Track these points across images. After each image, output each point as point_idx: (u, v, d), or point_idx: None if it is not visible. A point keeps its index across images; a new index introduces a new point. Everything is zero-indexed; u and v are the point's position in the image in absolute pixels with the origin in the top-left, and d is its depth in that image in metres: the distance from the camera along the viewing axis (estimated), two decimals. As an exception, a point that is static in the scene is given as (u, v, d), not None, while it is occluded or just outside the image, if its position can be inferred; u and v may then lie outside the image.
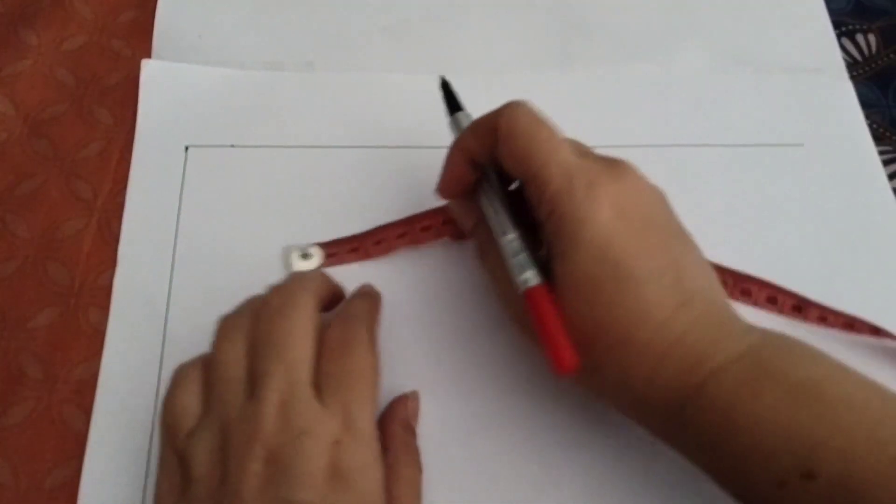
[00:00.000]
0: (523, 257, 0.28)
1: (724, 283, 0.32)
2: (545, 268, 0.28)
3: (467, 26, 0.43)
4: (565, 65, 0.41)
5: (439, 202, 0.34)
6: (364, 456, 0.26)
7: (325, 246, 0.35)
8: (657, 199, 0.29)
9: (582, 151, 0.29)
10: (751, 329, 0.27)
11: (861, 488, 0.22)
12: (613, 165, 0.28)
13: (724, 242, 0.35)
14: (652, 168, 0.37)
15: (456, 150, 0.31)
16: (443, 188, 0.32)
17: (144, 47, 0.41)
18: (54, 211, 0.36)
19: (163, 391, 0.28)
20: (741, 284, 0.34)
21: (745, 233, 0.36)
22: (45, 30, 0.41)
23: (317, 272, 0.31)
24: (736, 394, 0.25)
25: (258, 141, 0.37)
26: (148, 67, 0.39)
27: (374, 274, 0.34)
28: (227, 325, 0.28)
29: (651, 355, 0.26)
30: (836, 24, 0.43)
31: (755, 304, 0.34)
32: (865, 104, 0.40)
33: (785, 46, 0.42)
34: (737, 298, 0.34)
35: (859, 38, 0.43)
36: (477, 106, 0.40)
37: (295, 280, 0.29)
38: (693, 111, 0.39)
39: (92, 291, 0.34)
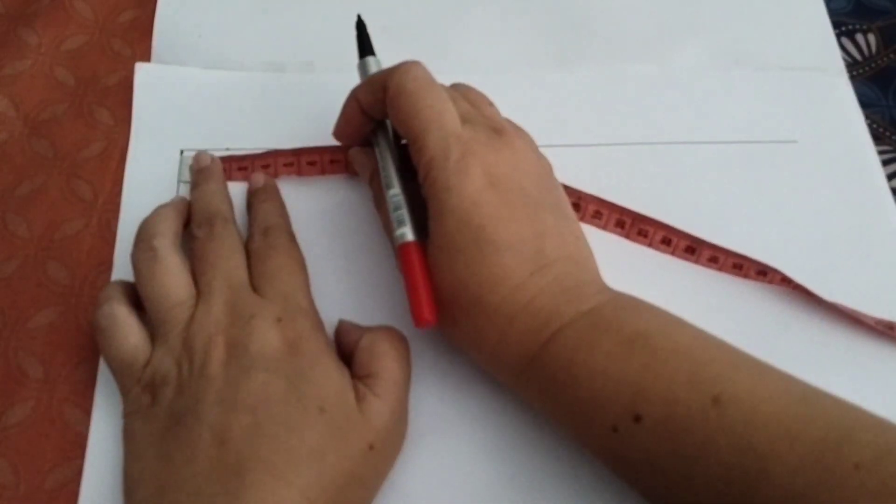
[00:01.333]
0: (402, 213, 0.30)
1: (622, 224, 0.35)
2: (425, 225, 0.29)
3: (467, 26, 0.43)
4: (564, 64, 0.41)
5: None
6: (304, 326, 0.29)
7: (220, 159, 0.36)
8: (536, 171, 0.30)
9: (469, 118, 0.30)
10: (602, 291, 0.29)
11: (682, 427, 0.24)
12: (496, 136, 0.30)
13: (720, 238, 0.35)
14: (648, 166, 0.38)
15: (352, 100, 0.33)
16: (337, 132, 0.35)
17: (144, 47, 0.41)
18: (54, 211, 0.36)
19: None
20: (638, 225, 0.35)
21: (741, 229, 0.36)
22: (45, 30, 0.41)
23: (222, 191, 0.34)
24: (575, 348, 0.27)
25: (253, 144, 0.37)
26: (141, 71, 0.39)
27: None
28: (159, 264, 0.30)
29: (502, 316, 0.28)
30: (836, 24, 0.43)
31: (650, 244, 0.35)
32: (865, 104, 0.40)
33: (785, 46, 0.42)
34: (634, 239, 0.35)
35: (859, 38, 0.43)
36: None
37: (208, 210, 0.33)
38: (689, 108, 0.39)
39: (92, 291, 0.34)
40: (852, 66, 0.42)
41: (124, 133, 0.38)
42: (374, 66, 0.34)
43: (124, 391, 0.29)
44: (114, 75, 0.40)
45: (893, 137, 0.40)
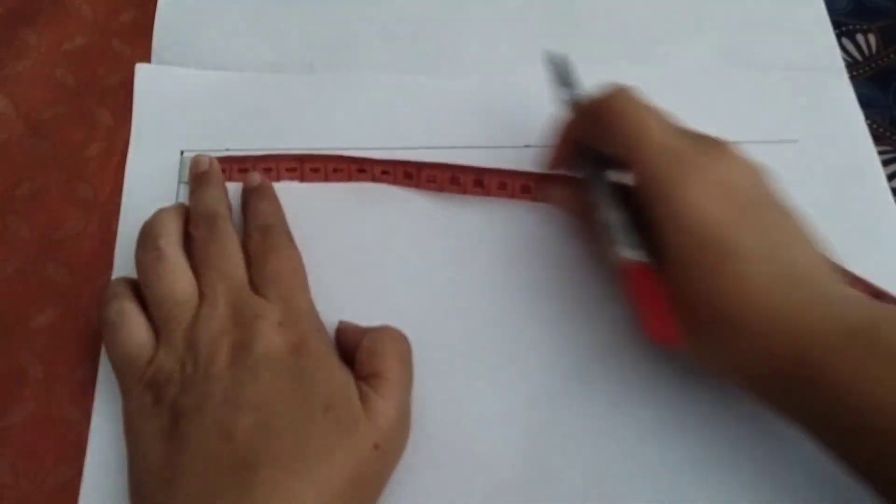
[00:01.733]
0: (621, 233, 0.30)
1: None
2: (649, 243, 0.29)
3: (467, 26, 0.43)
4: (565, 65, 0.41)
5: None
6: (307, 328, 0.30)
7: (220, 160, 0.36)
8: (758, 178, 0.29)
9: (682, 133, 0.30)
10: (861, 305, 0.27)
11: None
12: (712, 146, 0.29)
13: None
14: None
15: (562, 130, 0.33)
16: (545, 162, 0.35)
17: (144, 47, 0.41)
18: (55, 211, 0.36)
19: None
20: None
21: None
22: (45, 30, 0.41)
23: (220, 194, 0.35)
24: (840, 370, 0.25)
25: (254, 144, 0.37)
26: (142, 72, 0.39)
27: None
28: (163, 264, 0.31)
29: (750, 330, 0.27)
30: (836, 24, 0.43)
31: None
32: (865, 104, 0.40)
33: (785, 46, 0.42)
34: None
35: (859, 38, 0.43)
36: (477, 105, 0.40)
37: (206, 211, 0.33)
38: (689, 108, 0.39)
39: (92, 291, 0.34)
40: (852, 66, 0.42)
41: (124, 133, 0.38)
42: (576, 96, 0.34)
43: (125, 389, 0.29)
44: (114, 76, 0.40)
45: (893, 137, 0.40)
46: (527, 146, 0.38)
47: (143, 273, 0.31)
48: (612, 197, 0.31)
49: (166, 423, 0.27)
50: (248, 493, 0.25)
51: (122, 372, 0.30)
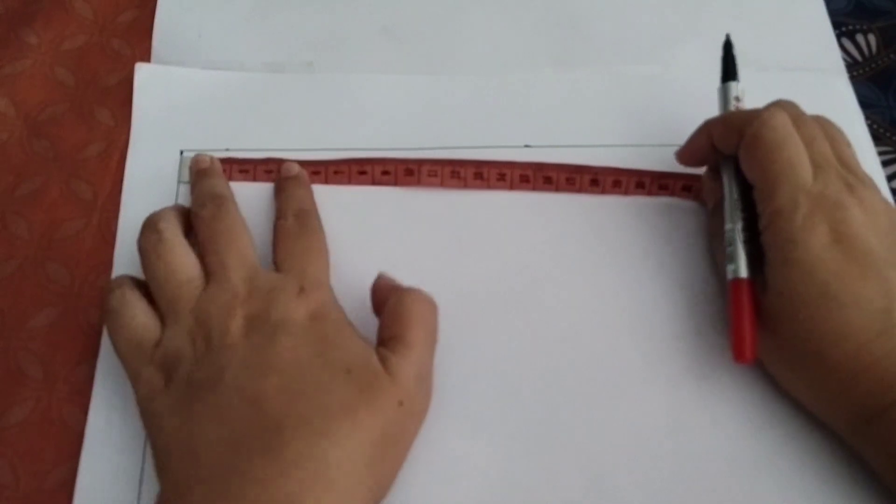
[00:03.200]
0: (736, 249, 0.31)
1: (642, 185, 0.36)
2: (760, 262, 0.30)
3: (467, 26, 0.43)
4: (564, 64, 0.41)
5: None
6: (326, 297, 0.31)
7: (220, 161, 0.37)
8: (885, 227, 0.29)
9: (822, 166, 0.30)
10: None
11: None
12: (846, 191, 0.29)
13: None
14: (650, 167, 0.38)
15: (704, 130, 0.34)
16: (680, 155, 0.35)
17: (144, 47, 0.41)
18: (54, 211, 0.36)
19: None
20: (658, 181, 0.37)
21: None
22: (45, 30, 0.41)
23: (224, 182, 0.35)
24: None
25: (254, 145, 0.37)
26: (141, 71, 0.39)
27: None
28: (164, 245, 0.31)
29: (843, 373, 0.28)
30: (836, 24, 0.43)
31: (672, 194, 0.37)
32: (865, 104, 0.40)
33: (785, 46, 0.42)
34: (655, 194, 0.37)
35: (859, 38, 0.43)
36: (477, 105, 0.40)
37: (212, 192, 0.33)
38: (690, 109, 0.39)
39: (92, 291, 0.34)
40: (852, 66, 0.42)
41: (124, 133, 0.38)
42: (732, 92, 0.35)
43: (135, 375, 0.29)
44: (114, 75, 0.40)
45: (893, 137, 0.40)
46: (526, 146, 0.38)
47: (145, 255, 0.31)
48: (739, 209, 0.31)
49: (182, 398, 0.27)
50: (277, 457, 0.25)
51: (129, 357, 0.29)
